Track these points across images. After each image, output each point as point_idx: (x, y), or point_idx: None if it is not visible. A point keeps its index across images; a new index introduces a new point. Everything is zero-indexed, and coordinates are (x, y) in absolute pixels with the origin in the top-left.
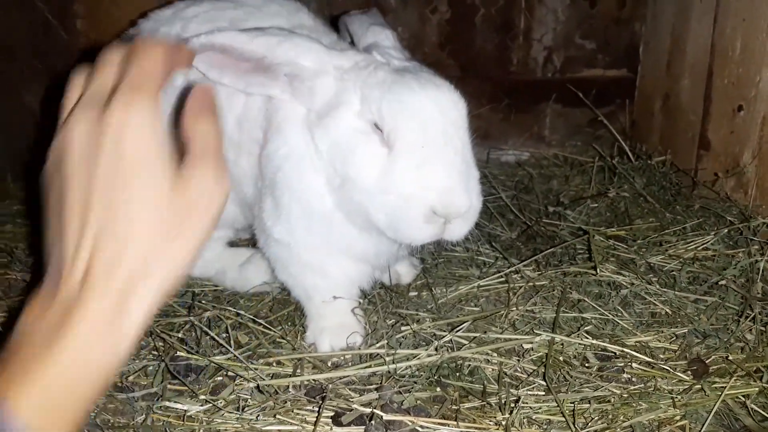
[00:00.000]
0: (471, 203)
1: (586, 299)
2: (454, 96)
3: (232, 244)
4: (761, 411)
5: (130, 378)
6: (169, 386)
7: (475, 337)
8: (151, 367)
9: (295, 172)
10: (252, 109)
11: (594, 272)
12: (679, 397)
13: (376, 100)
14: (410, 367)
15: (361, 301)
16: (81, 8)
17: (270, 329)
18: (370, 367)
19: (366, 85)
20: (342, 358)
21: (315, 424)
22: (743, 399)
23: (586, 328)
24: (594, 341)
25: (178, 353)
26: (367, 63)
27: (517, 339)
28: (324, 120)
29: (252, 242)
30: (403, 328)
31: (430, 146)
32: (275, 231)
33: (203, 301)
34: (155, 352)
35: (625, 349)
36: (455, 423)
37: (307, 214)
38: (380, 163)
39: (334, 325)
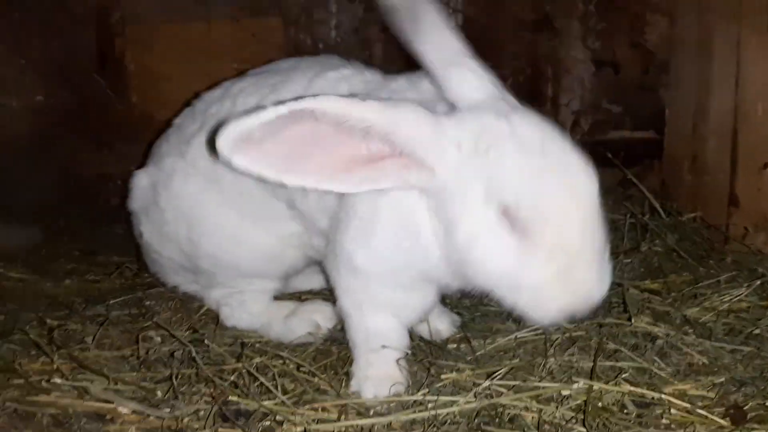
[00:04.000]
0: (604, 293)
1: (623, 349)
2: (592, 179)
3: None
4: None
5: (185, 421)
6: (219, 430)
7: (514, 385)
8: (202, 412)
9: (400, 204)
10: None
11: (629, 323)
12: None
13: (512, 189)
14: (450, 413)
15: (409, 352)
16: (136, 82)
17: (316, 375)
18: (412, 413)
19: (494, 168)
20: (386, 406)
21: None
22: None
23: (623, 376)
24: (632, 388)
25: (230, 398)
26: (484, 132)
27: (555, 386)
28: (444, 206)
29: (296, 296)
30: (442, 376)
31: (572, 245)
32: (358, 256)
33: (253, 350)
34: (207, 398)
35: (663, 396)
36: None
37: (405, 245)
38: (513, 254)
39: (379, 375)
